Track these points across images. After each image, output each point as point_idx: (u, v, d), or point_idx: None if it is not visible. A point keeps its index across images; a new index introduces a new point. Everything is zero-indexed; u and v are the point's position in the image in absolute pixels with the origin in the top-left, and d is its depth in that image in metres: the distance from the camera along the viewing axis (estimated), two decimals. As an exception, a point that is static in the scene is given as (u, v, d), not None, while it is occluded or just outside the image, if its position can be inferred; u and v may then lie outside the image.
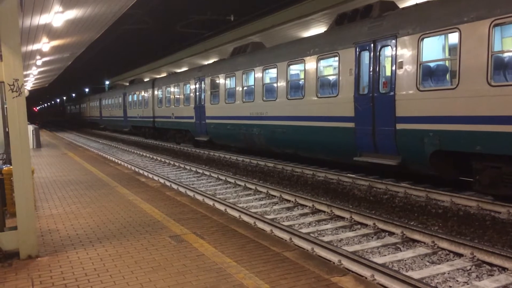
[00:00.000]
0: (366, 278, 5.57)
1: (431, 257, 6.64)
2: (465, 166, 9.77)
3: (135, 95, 34.26)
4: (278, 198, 10.97)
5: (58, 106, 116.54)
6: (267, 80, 16.49)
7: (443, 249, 6.83)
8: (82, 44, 18.05)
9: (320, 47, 13.53)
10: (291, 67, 15.07)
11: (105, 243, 6.01)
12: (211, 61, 27.20)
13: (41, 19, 11.78)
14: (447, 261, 6.49)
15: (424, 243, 7.11)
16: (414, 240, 7.32)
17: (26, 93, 5.65)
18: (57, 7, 10.58)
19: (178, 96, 25.34)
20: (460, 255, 6.56)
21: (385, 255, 6.78)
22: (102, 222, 7.19)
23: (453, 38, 9.86)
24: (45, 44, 15.70)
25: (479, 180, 9.23)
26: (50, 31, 13.67)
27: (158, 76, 38.34)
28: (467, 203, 9.23)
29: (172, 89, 26.46)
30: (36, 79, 34.47)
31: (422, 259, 6.56)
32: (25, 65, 22.12)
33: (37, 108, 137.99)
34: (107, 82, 64.98)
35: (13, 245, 5.52)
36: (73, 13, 11.46)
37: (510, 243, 7.08)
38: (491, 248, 6.37)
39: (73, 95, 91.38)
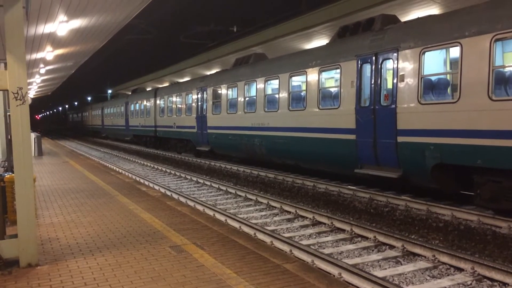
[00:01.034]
0: (366, 291, 5.55)
1: (431, 271, 6.62)
2: (466, 179, 9.76)
3: (137, 104, 34.37)
4: (279, 209, 10.95)
5: (60, 114, 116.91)
6: (269, 91, 16.55)
7: (443, 263, 6.81)
8: (85, 53, 18.16)
9: (322, 59, 13.60)
10: (293, 78, 15.13)
11: (105, 253, 6.00)
12: (213, 71, 27.35)
13: (45, 28, 11.87)
14: (448, 275, 6.47)
15: (425, 257, 7.09)
16: (414, 254, 7.30)
17: (29, 101, 5.70)
18: (62, 17, 10.67)
19: (180, 106, 25.42)
20: (460, 270, 6.54)
21: (386, 269, 6.76)
22: (102, 231, 7.19)
23: (455, 52, 9.91)
24: (49, 53, 15.80)
25: (480, 194, 9.21)
26: (54, 40, 13.77)
27: (160, 86, 38.51)
28: (468, 217, 9.21)
29: (174, 99, 26.56)
30: (39, 87, 34.62)
31: (422, 273, 6.53)
32: (29, 73, 22.25)
33: (40, 116, 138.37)
34: (109, 91, 65.24)
35: (13, 253, 5.52)
36: (77, 23, 11.56)
37: (511, 258, 7.05)
38: (492, 263, 6.35)
39: (76, 103, 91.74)
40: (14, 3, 5.31)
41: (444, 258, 6.83)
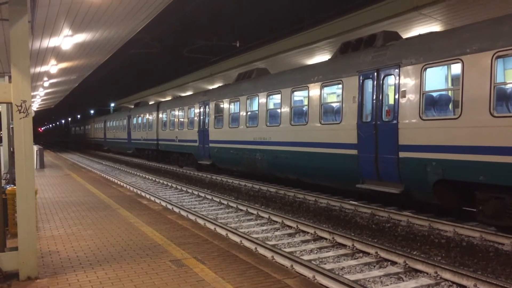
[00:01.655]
0: (367, 308, 5.50)
1: (433, 288, 6.56)
2: (469, 196, 9.73)
3: (140, 118, 34.51)
4: (280, 224, 10.91)
5: (63, 127, 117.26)
6: (271, 106, 16.61)
7: (446, 280, 6.75)
8: (89, 67, 18.31)
9: (324, 74, 13.67)
10: (295, 93, 15.20)
11: (105, 266, 5.98)
12: (216, 85, 27.47)
13: (50, 42, 12.00)
14: (450, 292, 6.41)
15: (427, 273, 7.03)
16: (416, 270, 7.24)
17: (33, 114, 5.73)
18: (66, 31, 10.79)
19: (182, 120, 25.51)
20: (463, 287, 6.48)
21: (387, 285, 6.70)
22: (103, 244, 7.16)
23: (456, 68, 9.97)
24: (53, 66, 15.93)
25: (482, 210, 9.17)
26: (58, 54, 13.90)
27: (163, 100, 38.69)
28: (470, 234, 9.16)
29: (176, 113, 26.66)
30: (42, 100, 34.83)
31: (424, 290, 6.47)
32: (33, 86, 22.38)
33: (42, 128, 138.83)
34: (112, 104, 65.53)
35: (13, 266, 5.50)
36: (82, 37, 11.68)
37: (514, 275, 6.98)
38: (495, 280, 6.29)
39: (78, 116, 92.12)
40: (20, 18, 5.38)
41: (447, 275, 6.78)
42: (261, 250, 8.29)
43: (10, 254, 5.60)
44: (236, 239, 9.19)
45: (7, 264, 5.51)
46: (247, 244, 8.79)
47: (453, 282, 6.64)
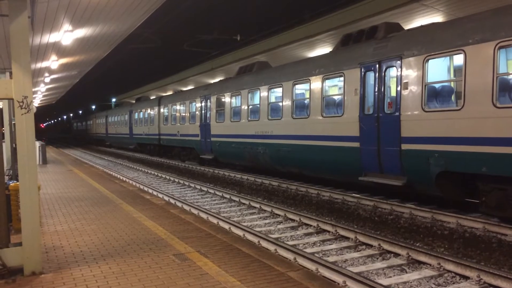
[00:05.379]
0: (371, 299, 5.51)
1: (437, 280, 6.57)
2: (471, 187, 9.72)
3: (141, 113, 34.50)
4: (283, 217, 10.92)
5: (65, 123, 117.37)
6: (272, 99, 16.58)
7: (449, 271, 6.76)
8: (90, 62, 18.27)
9: (325, 67, 13.63)
10: (297, 86, 15.16)
11: (109, 261, 6.00)
12: (217, 79, 27.42)
13: (50, 38, 11.97)
14: (453, 283, 6.42)
15: (430, 265, 7.04)
16: (419, 262, 7.25)
17: (34, 110, 5.74)
18: (67, 26, 10.76)
19: (184, 114, 25.50)
20: (466, 278, 6.49)
21: (391, 277, 6.72)
22: (106, 239, 7.19)
23: (458, 59, 9.92)
24: (54, 62, 15.91)
25: (485, 201, 9.16)
26: (59, 49, 13.87)
27: (164, 94, 38.64)
28: (473, 225, 9.15)
29: (178, 107, 26.65)
30: (44, 96, 34.81)
31: (428, 281, 6.49)
32: (34, 82, 22.37)
33: (44, 124, 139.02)
34: (113, 99, 65.49)
35: (17, 261, 5.52)
36: (82, 32, 11.65)
37: (517, 266, 6.99)
38: (498, 271, 6.30)
39: (80, 112, 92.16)
40: (19, 13, 5.36)
41: (450, 266, 6.79)
42: (264, 243, 8.31)
43: (14, 249, 5.62)
44: (239, 232, 9.22)
45: (11, 259, 5.53)
46: (250, 237, 8.82)
47: (456, 273, 6.66)
